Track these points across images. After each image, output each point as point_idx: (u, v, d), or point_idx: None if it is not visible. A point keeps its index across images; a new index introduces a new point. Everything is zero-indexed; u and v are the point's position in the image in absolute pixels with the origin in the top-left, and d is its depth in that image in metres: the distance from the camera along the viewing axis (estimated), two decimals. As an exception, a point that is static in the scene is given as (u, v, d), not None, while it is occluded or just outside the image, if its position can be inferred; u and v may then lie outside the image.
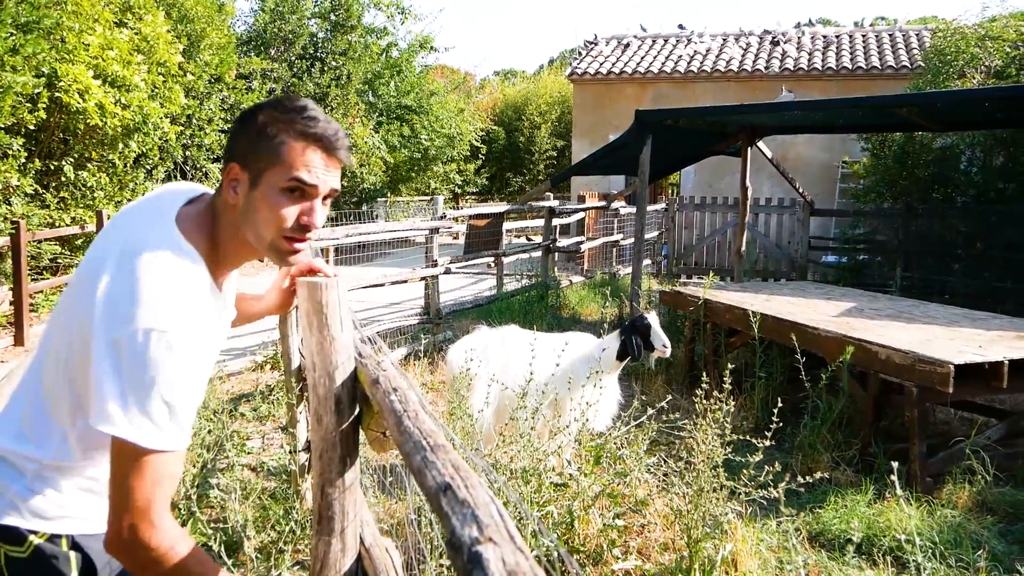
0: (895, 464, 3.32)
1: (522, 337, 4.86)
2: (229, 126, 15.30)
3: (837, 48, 18.89)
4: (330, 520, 1.97)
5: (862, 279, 12.17)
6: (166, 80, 12.34)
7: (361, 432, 2.08)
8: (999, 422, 5.41)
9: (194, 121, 14.27)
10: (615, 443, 4.12)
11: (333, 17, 19.61)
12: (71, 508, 1.55)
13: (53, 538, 1.52)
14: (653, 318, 4.96)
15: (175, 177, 14.38)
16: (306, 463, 4.28)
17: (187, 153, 14.42)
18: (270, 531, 4.08)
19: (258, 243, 1.55)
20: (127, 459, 1.36)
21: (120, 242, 1.46)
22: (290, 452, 4.61)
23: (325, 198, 1.57)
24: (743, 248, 10.34)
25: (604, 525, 3.81)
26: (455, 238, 19.14)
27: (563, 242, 12.90)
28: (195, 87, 14.05)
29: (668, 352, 4.96)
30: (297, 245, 1.55)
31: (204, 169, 14.78)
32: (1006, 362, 4.49)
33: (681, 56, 19.64)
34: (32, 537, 1.50)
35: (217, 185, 1.60)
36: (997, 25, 13.49)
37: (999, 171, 11.71)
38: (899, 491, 3.11)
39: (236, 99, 15.48)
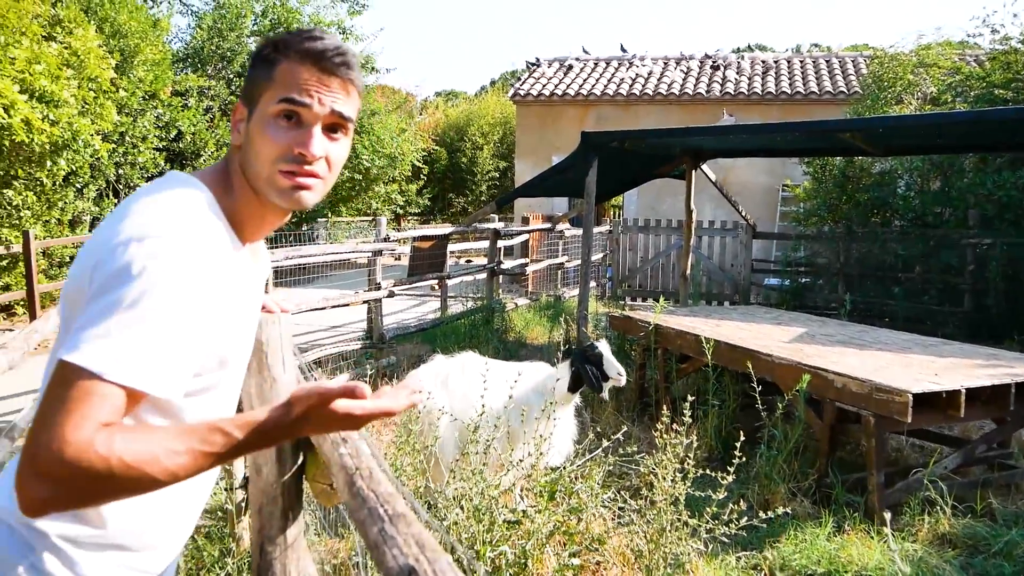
0: (852, 495, 3.21)
1: (480, 366, 4.66)
2: (163, 144, 14.95)
3: (776, 73, 19.21)
4: (270, 586, 1.76)
5: (804, 302, 12.27)
6: (97, 96, 11.88)
7: (305, 483, 1.87)
8: (951, 449, 5.38)
9: (127, 138, 13.78)
10: (569, 477, 3.94)
11: (272, 36, 19.26)
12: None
13: None
14: (604, 346, 4.81)
15: (107, 196, 13.86)
16: (243, 502, 4.01)
17: (120, 171, 13.91)
18: (205, 574, 3.81)
19: (258, 184, 1.33)
20: (62, 383, 1.07)
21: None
22: (226, 489, 4.33)
23: (330, 127, 1.35)
24: (688, 271, 10.31)
25: (560, 565, 3.63)
26: (397, 259, 18.87)
27: (508, 264, 12.76)
28: (128, 104, 13.58)
29: (623, 380, 4.81)
30: (299, 179, 1.32)
31: (138, 188, 14.29)
32: (963, 391, 4.44)
33: (623, 79, 19.76)
34: None
35: None
36: (933, 52, 13.84)
37: (935, 196, 11.93)
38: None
39: (172, 116, 15.03)
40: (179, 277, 1.14)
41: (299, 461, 1.78)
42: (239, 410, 3.64)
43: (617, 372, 4.76)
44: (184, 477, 1.13)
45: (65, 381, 1.07)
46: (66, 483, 1.04)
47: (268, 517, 1.75)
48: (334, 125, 1.35)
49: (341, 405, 1.17)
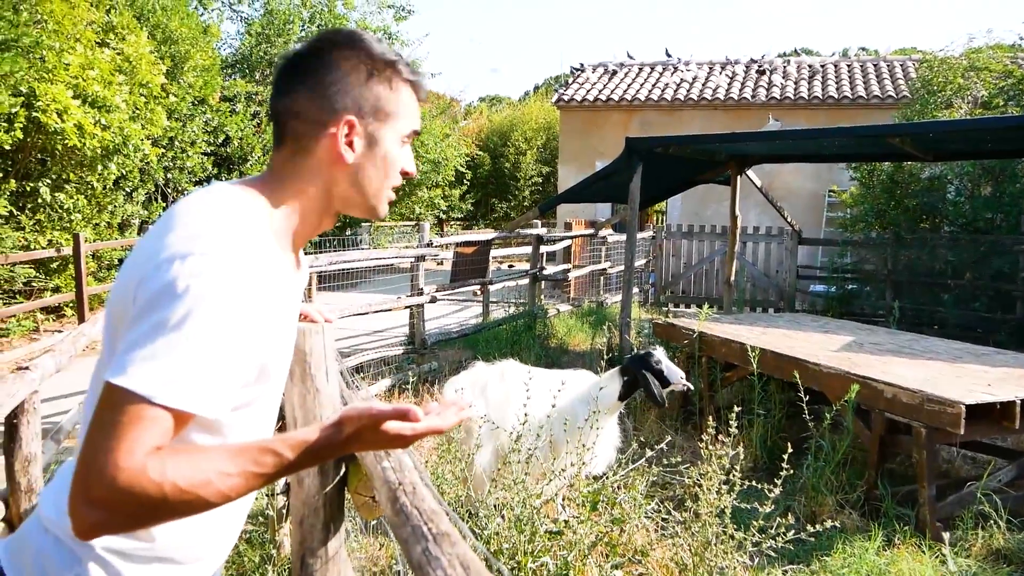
0: (902, 508, 3.12)
1: (521, 373, 4.63)
2: (212, 149, 15.17)
3: (823, 77, 18.94)
4: (312, 598, 1.75)
5: (851, 309, 12.06)
6: (148, 101, 12.10)
7: (346, 494, 1.86)
8: (1005, 462, 5.23)
9: (176, 143, 14.01)
10: (612, 487, 3.90)
11: (319, 41, 19.45)
12: None
13: None
14: (661, 352, 4.76)
15: (155, 200, 14.11)
16: (284, 507, 4.04)
17: (168, 176, 14.15)
18: (246, 580, 3.84)
19: (363, 198, 1.39)
20: (110, 407, 1.07)
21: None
22: (267, 495, 4.36)
23: None
24: (732, 277, 10.19)
25: (602, 576, 3.59)
26: (439, 264, 18.92)
27: (550, 270, 12.72)
28: (178, 109, 13.80)
29: (685, 386, 4.80)
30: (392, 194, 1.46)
31: (186, 192, 14.52)
32: (1018, 402, 4.32)
33: (668, 84, 19.62)
34: None
35: (287, 150, 1.36)
36: (983, 56, 13.54)
37: (986, 201, 11.67)
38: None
39: (220, 121, 15.25)
40: (224, 295, 1.12)
41: (341, 472, 1.77)
42: (280, 419, 3.65)
43: (680, 377, 4.72)
44: (236, 498, 1.13)
45: (114, 405, 1.06)
46: (120, 509, 1.04)
47: (310, 529, 1.75)
48: None
49: (393, 426, 1.17)
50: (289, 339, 1.44)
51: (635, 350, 4.94)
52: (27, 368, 2.79)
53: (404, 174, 1.41)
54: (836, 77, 18.88)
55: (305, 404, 1.67)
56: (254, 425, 1.37)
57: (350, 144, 1.33)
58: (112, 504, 1.03)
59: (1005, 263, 10.70)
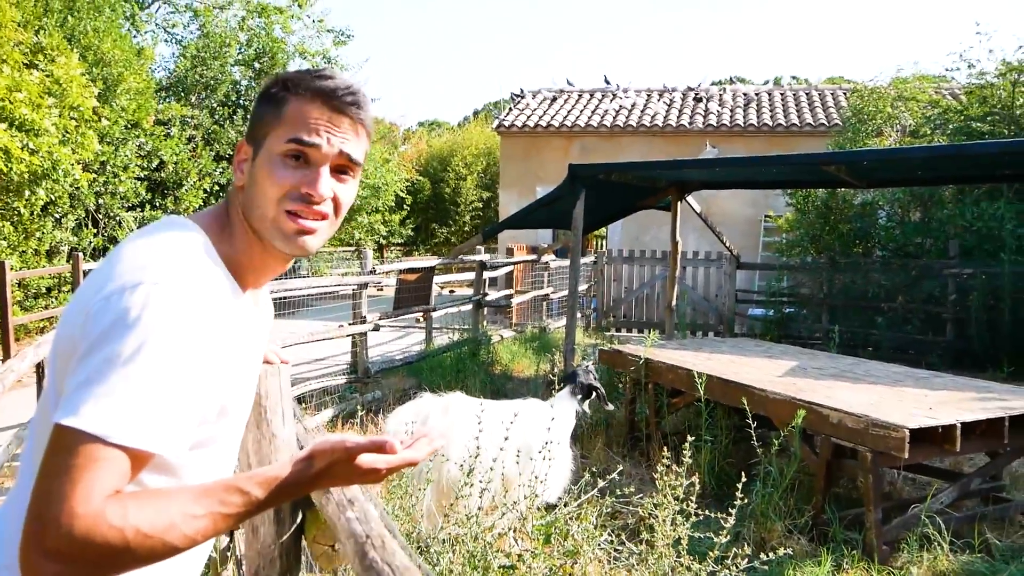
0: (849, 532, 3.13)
1: (467, 406, 4.58)
2: (145, 173, 14.80)
3: (757, 105, 19.38)
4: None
5: (789, 332, 12.30)
6: (79, 125, 11.76)
7: (304, 543, 1.77)
8: (945, 483, 5.33)
9: (108, 168, 13.63)
10: (564, 519, 3.85)
11: (257, 65, 19.22)
12: None
13: None
14: (591, 365, 5.15)
15: (86, 226, 13.69)
16: (227, 548, 3.88)
17: (100, 201, 13.75)
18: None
19: (262, 226, 1.26)
20: (62, 451, 0.99)
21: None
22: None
23: (338, 169, 1.29)
24: (674, 302, 10.28)
25: (557, 610, 3.52)
26: (379, 291, 18.73)
27: (492, 295, 12.68)
28: (110, 133, 13.45)
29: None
30: (302, 222, 1.26)
31: (118, 218, 14.11)
32: (959, 425, 4.40)
33: (607, 110, 19.86)
34: None
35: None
36: (911, 86, 14.03)
37: (916, 226, 12.04)
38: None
39: (154, 145, 14.90)
40: (176, 325, 1.06)
41: (298, 520, 1.69)
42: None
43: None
44: (202, 541, 1.06)
45: (65, 448, 0.99)
46: (78, 560, 0.96)
47: (266, 580, 1.66)
48: (342, 167, 1.30)
49: (367, 460, 1.12)
50: (250, 377, 1.37)
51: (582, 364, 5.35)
52: (-47, 409, 2.63)
53: (305, 194, 1.24)
54: (770, 105, 19.35)
55: (261, 450, 1.59)
56: (212, 467, 1.29)
57: (240, 167, 1.30)
58: (70, 555, 0.95)
59: (935, 286, 11.04)
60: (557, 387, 5.18)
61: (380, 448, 1.12)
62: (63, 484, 0.97)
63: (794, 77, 36.88)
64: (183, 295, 1.09)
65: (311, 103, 1.25)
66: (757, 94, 20.29)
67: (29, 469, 1.13)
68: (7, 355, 9.59)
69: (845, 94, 18.37)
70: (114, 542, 0.96)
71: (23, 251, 11.77)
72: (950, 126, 12.55)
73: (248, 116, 1.37)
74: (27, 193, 10.89)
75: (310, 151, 1.25)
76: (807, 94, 20.06)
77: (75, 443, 0.98)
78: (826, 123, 17.43)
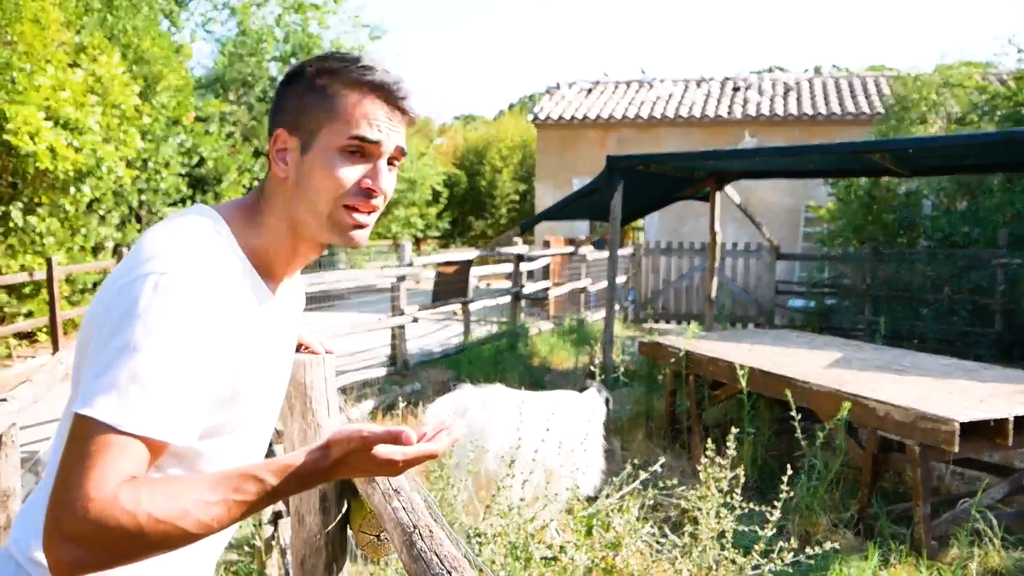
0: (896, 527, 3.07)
1: (506, 399, 4.57)
2: (186, 170, 15.01)
3: (797, 94, 19.11)
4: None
5: (830, 324, 12.10)
6: (121, 122, 11.93)
7: (349, 532, 1.77)
8: (996, 478, 5.22)
9: (150, 165, 13.84)
10: (606, 511, 3.82)
11: (294, 61, 19.40)
12: None
13: None
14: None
15: (129, 223, 13.91)
16: (271, 537, 3.92)
17: (143, 198, 13.97)
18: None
19: (315, 220, 1.26)
20: (79, 439, 1.03)
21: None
22: (254, 524, 4.24)
23: (391, 160, 1.29)
24: (713, 293, 10.19)
25: (599, 603, 3.50)
26: (417, 283, 18.82)
27: (529, 288, 12.66)
28: (152, 130, 13.64)
29: None
30: (360, 217, 1.27)
31: (160, 214, 14.32)
32: (1011, 419, 4.30)
33: (644, 101, 19.71)
34: None
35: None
36: (957, 72, 13.72)
37: (963, 215, 11.78)
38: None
39: (194, 142, 15.10)
40: (182, 312, 1.08)
41: (343, 510, 1.68)
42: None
43: None
44: (218, 529, 1.07)
45: (82, 436, 1.03)
46: (94, 543, 0.99)
47: (311, 570, 1.65)
48: (393, 158, 1.30)
49: (383, 451, 1.10)
50: (273, 365, 1.36)
51: (618, 368, 5.19)
52: (4, 400, 2.67)
53: (366, 189, 1.25)
54: (811, 94, 19.07)
55: (306, 440, 1.59)
56: (235, 456, 1.30)
57: (282, 159, 1.27)
58: (85, 538, 0.98)
59: (983, 277, 10.79)
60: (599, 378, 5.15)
61: (396, 439, 1.10)
62: (80, 470, 1.00)
63: (835, 65, 36.25)
64: (190, 283, 1.11)
65: (369, 98, 1.25)
66: (797, 83, 19.99)
67: (56, 459, 1.16)
68: (56, 348, 9.80)
69: (888, 82, 18.04)
70: (127, 526, 0.98)
71: (70, 247, 11.99)
72: (998, 112, 12.26)
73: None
74: (73, 190, 11.08)
75: (371, 147, 1.25)
76: (848, 82, 19.71)
77: (91, 432, 1.02)
78: (868, 111, 17.14)
